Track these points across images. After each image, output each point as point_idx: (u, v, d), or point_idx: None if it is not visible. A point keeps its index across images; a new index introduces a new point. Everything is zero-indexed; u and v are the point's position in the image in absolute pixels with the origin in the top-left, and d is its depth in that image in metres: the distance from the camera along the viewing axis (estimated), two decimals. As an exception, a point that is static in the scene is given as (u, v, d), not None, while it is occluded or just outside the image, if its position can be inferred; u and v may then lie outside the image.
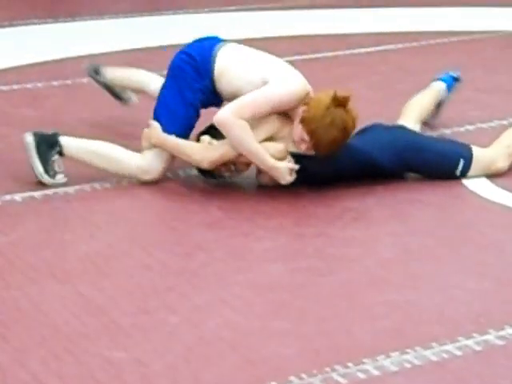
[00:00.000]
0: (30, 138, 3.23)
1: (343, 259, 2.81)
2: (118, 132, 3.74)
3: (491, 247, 2.90)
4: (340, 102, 3.07)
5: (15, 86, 4.32)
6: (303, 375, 2.16)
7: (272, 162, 3.14)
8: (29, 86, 4.34)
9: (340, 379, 2.15)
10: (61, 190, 3.22)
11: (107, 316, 2.41)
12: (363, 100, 3.61)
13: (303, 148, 3.15)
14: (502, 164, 3.35)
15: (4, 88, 4.22)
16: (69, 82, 4.38)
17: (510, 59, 5.00)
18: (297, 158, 3.19)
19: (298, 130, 3.13)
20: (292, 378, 2.15)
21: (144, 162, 3.26)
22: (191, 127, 3.29)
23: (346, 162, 3.21)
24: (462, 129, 3.85)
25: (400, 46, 5.16)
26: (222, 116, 3.12)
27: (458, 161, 3.28)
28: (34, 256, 2.74)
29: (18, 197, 3.15)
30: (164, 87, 3.31)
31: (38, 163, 3.21)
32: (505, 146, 3.39)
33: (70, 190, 3.23)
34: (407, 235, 2.97)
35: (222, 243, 2.90)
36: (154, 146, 3.26)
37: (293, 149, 3.19)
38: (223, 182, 3.31)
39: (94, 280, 2.59)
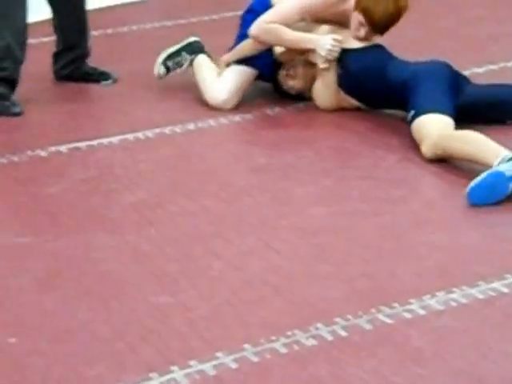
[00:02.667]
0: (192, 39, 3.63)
1: (387, 201, 2.79)
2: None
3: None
4: None
5: (54, 37, 4.34)
6: (349, 316, 2.17)
7: (316, 36, 3.39)
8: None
9: (386, 319, 2.16)
10: (105, 141, 3.25)
11: (153, 263, 2.44)
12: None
13: (362, 33, 3.33)
14: (424, 147, 3.00)
15: (44, 40, 4.23)
16: (109, 31, 4.37)
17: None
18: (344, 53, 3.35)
19: (354, 17, 3.34)
20: (337, 319, 2.16)
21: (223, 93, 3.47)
22: None
23: (387, 71, 3.27)
24: (509, 64, 3.75)
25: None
26: (253, 27, 3.40)
27: (410, 110, 3.10)
28: (81, 206, 2.78)
29: (63, 148, 3.19)
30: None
31: (166, 53, 3.61)
32: (439, 135, 2.99)
33: (114, 140, 3.26)
34: (452, 174, 2.93)
35: (266, 188, 2.90)
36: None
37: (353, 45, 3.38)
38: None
39: (139, 228, 2.63)
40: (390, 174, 2.96)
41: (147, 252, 2.50)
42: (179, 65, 3.63)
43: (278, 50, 3.53)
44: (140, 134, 3.30)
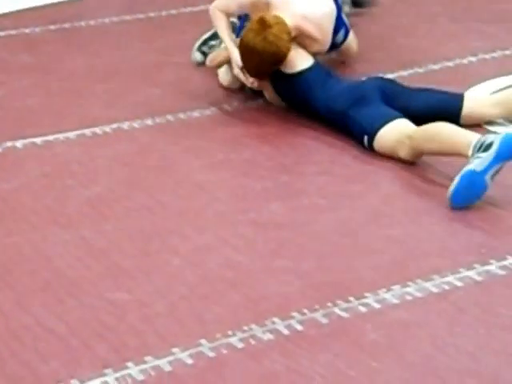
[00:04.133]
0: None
1: (344, 196, 2.81)
2: (119, 73, 3.73)
3: (494, 181, 2.88)
4: (261, 25, 3.16)
5: (12, 32, 4.28)
6: (305, 311, 2.18)
7: (230, 46, 3.28)
8: (26, 31, 4.30)
9: (342, 313, 2.17)
10: (62, 136, 3.22)
11: (109, 259, 2.43)
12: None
13: (250, 82, 3.31)
14: (402, 153, 2.93)
15: (1, 34, 4.18)
16: (67, 25, 4.33)
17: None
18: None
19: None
20: (294, 313, 2.17)
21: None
22: None
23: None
24: (464, 60, 3.80)
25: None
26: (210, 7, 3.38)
27: (363, 137, 3.04)
28: (36, 202, 2.75)
29: (18, 143, 3.15)
30: None
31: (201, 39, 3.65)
32: (405, 136, 2.91)
33: (71, 135, 3.23)
34: (408, 170, 2.95)
35: (224, 184, 2.90)
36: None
37: None
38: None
39: (95, 224, 2.61)
40: (347, 170, 2.98)
41: (103, 248, 2.48)
42: (213, 48, 3.67)
43: None
44: (97, 130, 3.27)
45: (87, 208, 2.71)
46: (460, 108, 3.10)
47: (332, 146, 3.14)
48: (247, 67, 3.25)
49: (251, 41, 3.16)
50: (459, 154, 2.73)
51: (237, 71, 3.30)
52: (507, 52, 3.86)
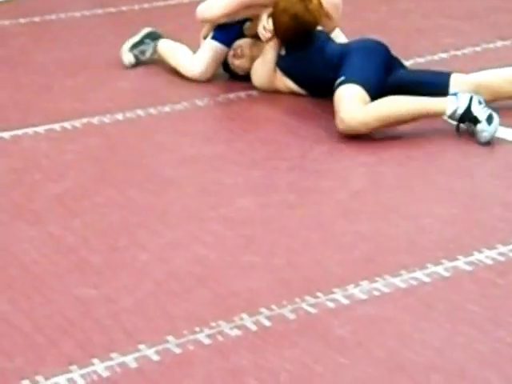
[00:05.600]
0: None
1: (315, 191, 2.81)
2: (89, 67, 3.70)
3: (461, 174, 2.90)
4: None
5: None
6: (273, 306, 2.17)
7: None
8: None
9: (309, 309, 2.17)
10: (30, 130, 3.19)
11: (77, 255, 2.40)
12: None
13: (266, 36, 3.44)
14: (343, 121, 3.08)
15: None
16: (37, 19, 4.29)
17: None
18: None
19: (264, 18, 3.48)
20: (262, 309, 2.16)
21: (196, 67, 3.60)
22: None
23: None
24: (435, 57, 3.81)
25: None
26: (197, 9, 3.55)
27: (341, 76, 3.18)
28: (3, 197, 2.72)
29: (-14, 138, 3.12)
30: None
31: (130, 42, 3.70)
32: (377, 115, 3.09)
33: (40, 129, 3.20)
34: (378, 165, 2.96)
35: (194, 179, 2.88)
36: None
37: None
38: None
39: (63, 219, 2.58)
40: (318, 165, 2.98)
41: (71, 243, 2.46)
42: (143, 53, 3.69)
43: (247, 26, 3.58)
44: (67, 124, 3.24)
45: (55, 203, 2.69)
46: (447, 83, 3.22)
47: (303, 142, 3.14)
48: (279, 29, 3.40)
49: (293, 6, 3.37)
50: (434, 113, 3.05)
51: (261, 29, 3.45)
52: (478, 48, 3.88)
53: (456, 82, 3.20)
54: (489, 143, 3.05)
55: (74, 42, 3.85)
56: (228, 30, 3.55)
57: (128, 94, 3.50)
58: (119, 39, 3.94)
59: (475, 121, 3.03)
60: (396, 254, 2.42)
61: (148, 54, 3.71)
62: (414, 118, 3.09)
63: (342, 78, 3.15)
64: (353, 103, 3.07)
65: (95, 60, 3.81)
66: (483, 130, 3.03)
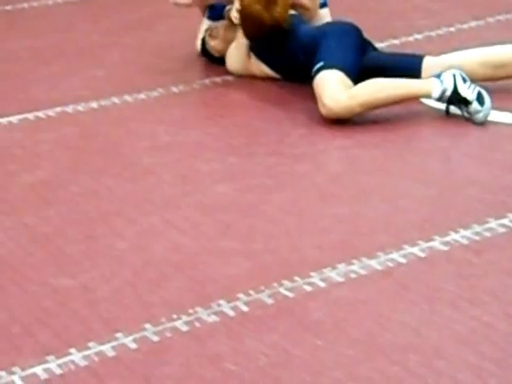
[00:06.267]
0: None
1: (292, 176, 2.81)
2: (62, 55, 3.66)
3: (437, 155, 2.91)
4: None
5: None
6: (251, 292, 2.17)
7: None
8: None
9: (287, 293, 2.17)
10: (4, 120, 3.16)
11: (53, 244, 2.39)
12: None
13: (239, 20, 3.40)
14: (328, 106, 3.06)
15: None
16: (9, 7, 4.25)
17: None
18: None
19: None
20: (240, 295, 2.16)
21: None
22: None
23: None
24: (410, 38, 3.81)
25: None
26: None
27: (319, 62, 3.15)
28: (-22, 189, 2.71)
29: (-41, 129, 3.09)
30: None
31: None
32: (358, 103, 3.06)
33: (13, 119, 3.17)
34: (355, 148, 2.96)
35: (170, 166, 2.87)
36: None
37: None
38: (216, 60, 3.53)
39: (39, 209, 2.57)
40: (295, 150, 2.98)
41: (46, 233, 2.44)
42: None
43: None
44: (41, 113, 3.21)
45: (30, 193, 2.67)
46: (420, 66, 3.20)
47: (280, 127, 3.13)
48: (246, 30, 3.38)
49: (257, 13, 3.31)
50: (420, 95, 3.06)
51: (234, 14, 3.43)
52: (452, 29, 3.89)
53: (428, 65, 3.19)
54: (483, 123, 3.03)
55: (47, 31, 3.82)
56: (220, 9, 3.55)
57: (103, 82, 3.48)
58: (92, 26, 3.91)
59: (465, 102, 2.99)
60: (372, 235, 2.43)
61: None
62: (398, 101, 3.07)
63: (321, 64, 3.12)
64: (336, 88, 3.05)
65: (69, 48, 3.77)
66: (476, 110, 2.99)
